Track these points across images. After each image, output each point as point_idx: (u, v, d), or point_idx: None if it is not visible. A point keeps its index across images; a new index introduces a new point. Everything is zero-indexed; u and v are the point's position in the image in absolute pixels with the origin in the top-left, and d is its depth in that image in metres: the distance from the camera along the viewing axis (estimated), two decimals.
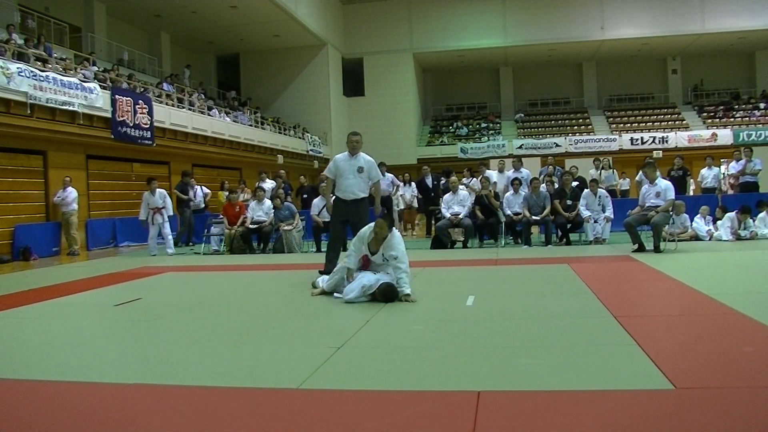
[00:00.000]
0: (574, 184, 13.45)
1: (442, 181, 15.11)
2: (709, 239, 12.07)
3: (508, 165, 16.19)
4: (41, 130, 14.65)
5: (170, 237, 13.73)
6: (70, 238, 15.02)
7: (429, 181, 16.11)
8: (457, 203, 12.56)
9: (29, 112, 14.11)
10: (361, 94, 35.25)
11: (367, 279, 6.58)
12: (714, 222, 12.51)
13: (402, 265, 6.64)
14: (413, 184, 17.19)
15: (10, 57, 14.58)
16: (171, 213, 13.76)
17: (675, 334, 4.88)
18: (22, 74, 13.85)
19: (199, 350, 4.83)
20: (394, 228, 6.89)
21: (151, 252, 13.54)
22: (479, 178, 13.72)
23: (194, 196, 16.87)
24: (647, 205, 10.49)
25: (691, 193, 16.51)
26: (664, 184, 10.53)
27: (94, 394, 3.79)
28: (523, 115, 37.44)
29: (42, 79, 14.37)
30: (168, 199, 13.73)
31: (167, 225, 13.64)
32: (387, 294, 6.41)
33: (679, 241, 11.11)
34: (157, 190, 13.60)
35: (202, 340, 5.20)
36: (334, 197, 8.47)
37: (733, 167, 15.79)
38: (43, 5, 21.46)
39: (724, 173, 16.65)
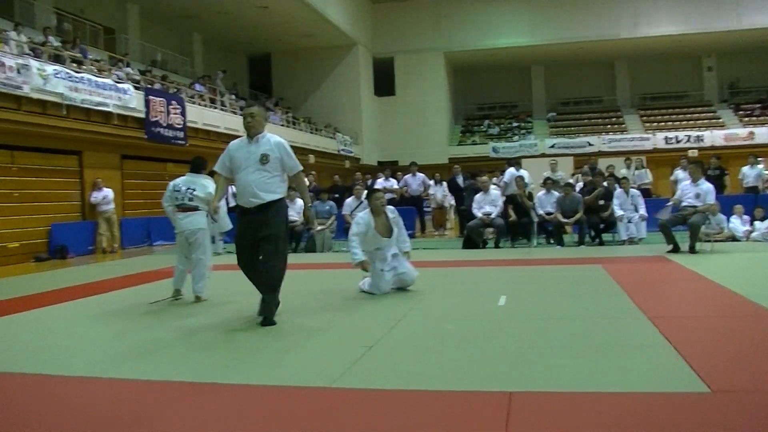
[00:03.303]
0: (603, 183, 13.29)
1: (464, 180, 15.11)
2: (746, 240, 11.86)
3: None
4: (76, 131, 14.86)
5: (219, 237, 13.49)
6: (111, 236, 15.35)
7: (460, 180, 16.06)
8: (488, 203, 12.50)
9: (65, 112, 14.32)
10: (392, 93, 35.16)
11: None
12: (752, 222, 12.28)
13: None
14: (444, 183, 17.17)
15: (46, 59, 14.83)
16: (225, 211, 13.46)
17: (710, 336, 4.81)
18: (58, 76, 14.06)
19: (231, 348, 4.88)
20: None
21: (215, 250, 13.12)
22: (515, 177, 13.54)
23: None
24: (683, 204, 10.31)
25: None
26: (706, 186, 10.24)
27: (129, 390, 3.85)
28: (555, 114, 37.11)
29: (77, 80, 14.59)
30: (228, 197, 13.51)
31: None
32: None
33: (715, 241, 10.92)
34: None
35: (235, 338, 5.25)
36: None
37: None
38: (79, 8, 21.78)
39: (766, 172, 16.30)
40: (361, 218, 7.08)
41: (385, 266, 7.08)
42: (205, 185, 7.37)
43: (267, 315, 5.67)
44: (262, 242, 5.74)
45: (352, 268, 7.06)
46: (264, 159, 5.70)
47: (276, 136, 5.96)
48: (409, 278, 7.17)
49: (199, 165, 7.61)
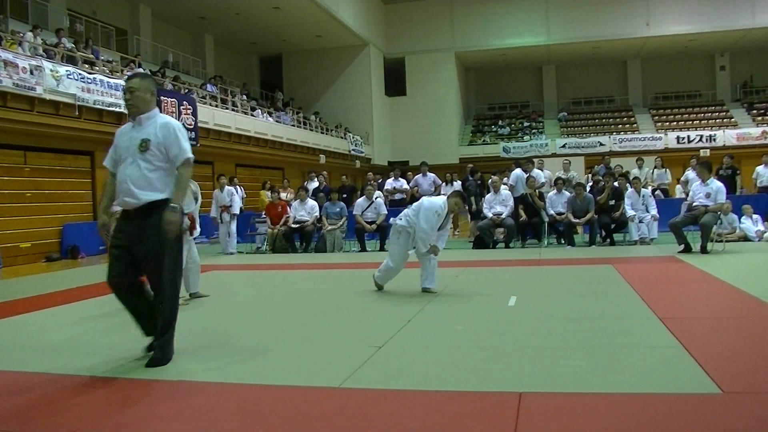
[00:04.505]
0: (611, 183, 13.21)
1: (468, 180, 15.04)
2: (759, 240, 11.78)
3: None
4: (89, 131, 14.93)
5: (234, 237, 13.81)
6: None
7: None
8: (499, 203, 12.48)
9: (77, 113, 14.40)
10: (403, 93, 35.18)
11: None
12: (764, 221, 12.21)
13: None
14: (455, 183, 17.13)
15: (59, 60, 14.92)
16: (237, 211, 13.76)
17: (722, 337, 4.78)
18: (71, 77, 14.14)
19: (240, 348, 4.88)
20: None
21: (225, 251, 13.58)
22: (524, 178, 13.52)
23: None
24: (695, 204, 10.26)
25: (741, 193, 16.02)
26: (716, 185, 10.21)
27: (139, 390, 3.86)
28: (566, 113, 36.98)
29: (89, 81, 14.67)
30: (235, 197, 13.74)
31: (233, 224, 13.69)
32: None
33: (727, 241, 10.85)
34: (225, 187, 13.65)
35: (244, 338, 5.26)
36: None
37: None
38: (91, 9, 21.93)
39: None
40: (441, 208, 7.02)
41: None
42: None
43: (156, 356, 4.42)
44: (144, 263, 4.40)
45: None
46: (143, 145, 4.39)
47: (166, 117, 4.65)
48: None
49: None
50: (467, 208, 13.74)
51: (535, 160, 16.47)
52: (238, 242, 15.02)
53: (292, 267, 10.83)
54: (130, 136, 4.47)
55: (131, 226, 4.39)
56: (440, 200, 7.16)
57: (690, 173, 14.20)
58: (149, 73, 19.62)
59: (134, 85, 4.48)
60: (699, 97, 36.63)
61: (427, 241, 6.95)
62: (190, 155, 4.48)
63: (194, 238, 7.38)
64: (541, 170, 14.91)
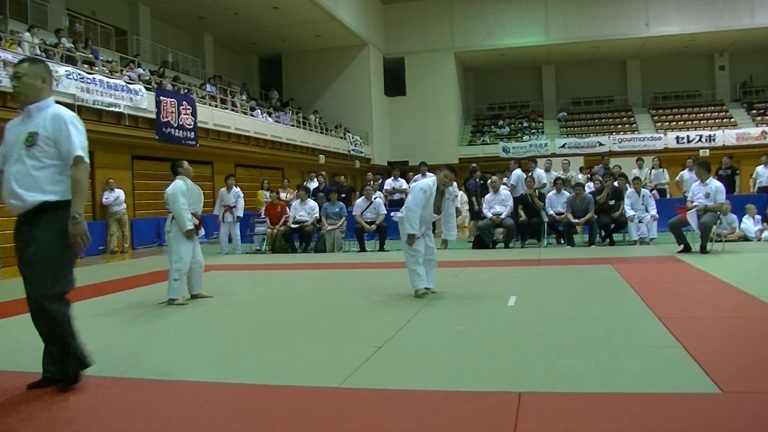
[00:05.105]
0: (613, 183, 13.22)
1: (469, 180, 15.01)
2: (758, 240, 11.78)
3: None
4: (88, 131, 14.67)
5: (239, 237, 13.87)
6: (122, 236, 15.49)
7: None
8: (498, 203, 12.48)
9: (76, 113, 14.36)
10: (403, 93, 35.14)
11: None
12: (763, 221, 12.20)
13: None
14: (455, 184, 17.09)
15: (58, 60, 14.91)
16: (240, 214, 13.77)
17: (722, 337, 4.78)
18: (70, 77, 14.14)
19: (240, 348, 4.88)
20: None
21: (222, 251, 13.69)
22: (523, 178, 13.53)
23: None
24: (694, 204, 10.25)
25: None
26: (715, 185, 10.17)
27: (139, 390, 3.86)
28: (566, 113, 36.96)
29: (89, 81, 14.66)
30: (241, 200, 13.77)
31: (237, 225, 13.75)
32: None
33: (726, 241, 10.85)
34: (233, 188, 13.67)
35: (244, 338, 5.26)
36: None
37: None
38: (90, 9, 21.92)
39: None
40: (428, 186, 6.89)
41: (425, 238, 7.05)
42: (169, 189, 7.18)
43: (61, 375, 3.85)
44: (26, 273, 3.84)
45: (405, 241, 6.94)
46: (30, 139, 3.81)
47: (59, 107, 4.03)
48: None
49: (172, 169, 7.47)
50: (469, 207, 13.73)
51: (543, 160, 16.46)
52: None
53: (291, 267, 10.82)
54: (18, 130, 3.89)
55: (21, 232, 3.84)
56: (429, 179, 7.14)
57: (685, 173, 14.22)
58: (150, 73, 19.62)
59: (22, 70, 3.91)
60: (698, 97, 36.62)
61: (414, 220, 6.74)
62: (81, 152, 3.89)
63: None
64: (548, 171, 14.85)
